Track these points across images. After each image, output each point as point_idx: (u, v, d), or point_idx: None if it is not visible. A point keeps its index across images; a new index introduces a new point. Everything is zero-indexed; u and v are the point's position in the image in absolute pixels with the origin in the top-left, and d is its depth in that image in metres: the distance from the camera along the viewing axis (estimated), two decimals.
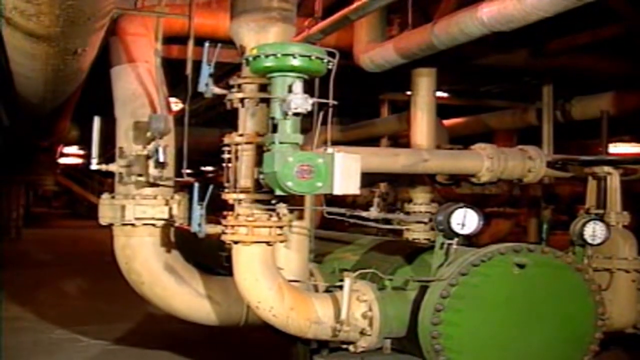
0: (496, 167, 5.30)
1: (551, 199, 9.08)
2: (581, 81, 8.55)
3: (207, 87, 3.96)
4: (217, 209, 4.07)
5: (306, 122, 3.68)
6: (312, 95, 3.50)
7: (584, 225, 4.69)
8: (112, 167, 5.06)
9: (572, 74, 8.13)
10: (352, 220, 4.24)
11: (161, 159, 4.55)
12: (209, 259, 5.46)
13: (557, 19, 4.75)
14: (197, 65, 4.52)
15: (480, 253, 3.99)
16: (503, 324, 3.96)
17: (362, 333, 4.07)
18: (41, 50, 5.57)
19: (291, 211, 4.00)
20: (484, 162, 5.33)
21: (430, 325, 3.86)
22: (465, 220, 4.01)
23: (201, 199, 3.86)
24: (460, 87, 10.72)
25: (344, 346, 4.23)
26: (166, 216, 4.83)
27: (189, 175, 4.69)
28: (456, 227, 4.00)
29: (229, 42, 4.45)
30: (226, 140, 4.05)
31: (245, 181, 3.91)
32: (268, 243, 3.88)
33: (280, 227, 3.90)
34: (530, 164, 5.35)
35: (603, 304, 4.21)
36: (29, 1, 4.26)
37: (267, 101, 3.78)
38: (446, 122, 10.30)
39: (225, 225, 3.91)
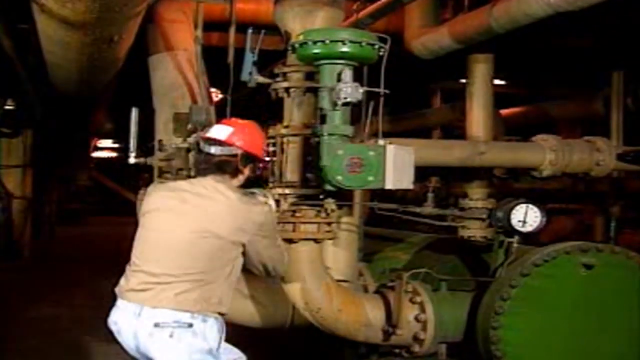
0: (560, 160, 5.21)
1: (620, 195, 8.90)
2: None
3: (251, 76, 3.99)
4: None
5: (353, 112, 3.68)
6: (361, 84, 3.50)
7: None
8: (151, 161, 5.14)
9: None
10: (403, 217, 4.24)
11: None
12: None
13: None
14: (238, 53, 4.57)
15: (543, 252, 3.96)
16: (568, 329, 3.91)
17: (415, 337, 4.06)
18: (76, 38, 5.68)
19: (339, 207, 4.01)
20: (546, 154, 5.25)
21: (489, 329, 3.85)
22: (527, 217, 3.98)
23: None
24: (520, 74, 10.58)
25: (396, 351, 4.24)
26: None
27: None
28: (517, 224, 3.98)
29: (272, 28, 4.48)
30: (271, 132, 4.08)
31: (291, 175, 3.93)
32: (316, 240, 3.90)
33: (329, 224, 3.92)
34: (599, 156, 5.24)
35: None
36: None
37: (314, 90, 3.79)
38: (503, 111, 10.18)
39: None
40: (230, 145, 3.19)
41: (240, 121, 3.39)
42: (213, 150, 3.19)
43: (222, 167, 3.18)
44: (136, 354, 3.12)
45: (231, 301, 3.20)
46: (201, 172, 3.23)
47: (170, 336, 2.98)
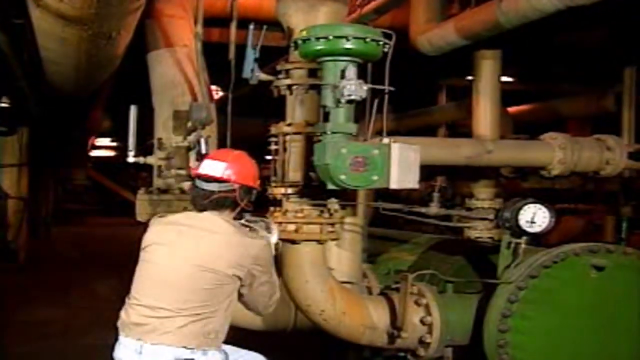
0: (569, 158, 5.22)
1: (631, 194, 8.90)
2: None
3: (253, 73, 4.00)
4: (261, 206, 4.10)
5: (356, 110, 3.69)
6: (365, 81, 3.51)
7: None
8: (150, 160, 5.15)
9: None
10: (408, 217, 4.25)
11: (203, 151, 4.62)
12: None
13: None
14: (239, 50, 4.58)
15: (552, 253, 3.96)
16: (578, 332, 3.92)
17: (421, 340, 4.07)
18: (73, 34, 5.67)
19: (343, 207, 4.02)
20: (555, 153, 5.26)
21: (496, 332, 3.86)
22: (535, 217, 3.97)
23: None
24: (528, 71, 10.57)
25: (401, 354, 4.25)
26: None
27: None
28: (525, 224, 3.96)
29: (274, 24, 4.49)
30: (273, 130, 4.09)
31: (294, 174, 3.94)
32: (319, 241, 3.91)
33: (332, 224, 3.93)
34: (609, 155, 5.25)
35: None
36: None
37: (317, 88, 3.80)
38: (511, 109, 10.19)
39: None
40: (226, 181, 3.23)
41: (230, 153, 3.42)
42: (210, 187, 3.24)
43: (222, 203, 3.24)
44: None
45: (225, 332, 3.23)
46: (200, 207, 3.26)
47: None
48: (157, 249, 3.21)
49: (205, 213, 3.23)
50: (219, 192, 3.22)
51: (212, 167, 3.27)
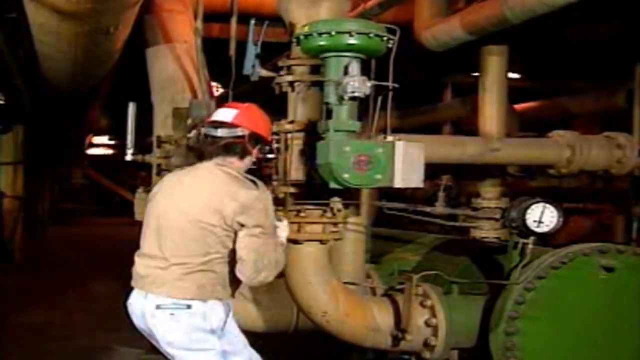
0: (578, 157, 5.23)
1: None
2: None
3: (254, 69, 4.01)
4: None
5: (360, 107, 3.68)
6: (369, 78, 3.51)
7: None
8: (149, 158, 5.16)
9: None
10: (413, 217, 4.25)
11: None
12: None
13: None
14: (240, 46, 4.59)
15: (560, 254, 3.96)
16: (587, 334, 3.92)
17: (426, 343, 4.07)
18: (69, 29, 5.68)
19: (346, 206, 4.02)
20: (563, 151, 5.27)
21: (503, 335, 3.86)
22: (543, 217, 3.97)
23: None
24: (536, 67, 10.57)
25: (405, 357, 4.25)
26: None
27: None
28: (532, 224, 3.96)
29: (276, 19, 4.49)
30: (275, 128, 4.08)
31: (296, 173, 3.94)
32: (321, 241, 3.91)
33: (335, 224, 3.93)
34: (619, 153, 5.25)
35: None
36: None
37: (320, 84, 3.80)
38: (518, 106, 10.18)
39: None
40: (236, 126, 3.32)
41: (242, 104, 3.51)
42: (220, 132, 3.32)
43: (230, 149, 3.33)
44: (146, 333, 3.32)
45: (229, 287, 3.30)
46: (207, 155, 3.33)
47: (171, 315, 3.18)
48: (158, 201, 3.34)
49: (208, 163, 3.31)
50: (228, 137, 3.31)
51: (223, 113, 3.39)
